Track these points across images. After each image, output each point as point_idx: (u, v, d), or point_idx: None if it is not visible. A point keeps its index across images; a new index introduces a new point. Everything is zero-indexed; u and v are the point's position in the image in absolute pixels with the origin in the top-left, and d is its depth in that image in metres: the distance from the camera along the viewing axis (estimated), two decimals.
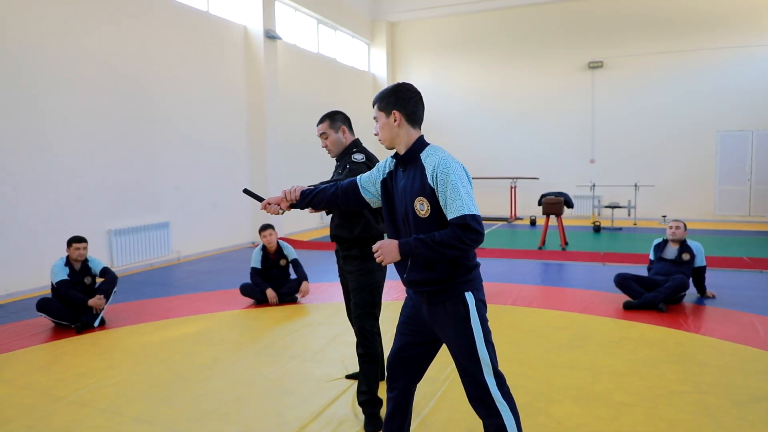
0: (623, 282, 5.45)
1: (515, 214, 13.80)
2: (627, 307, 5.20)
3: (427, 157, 2.13)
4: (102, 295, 4.94)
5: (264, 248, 5.73)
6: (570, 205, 9.43)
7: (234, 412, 3.18)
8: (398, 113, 2.20)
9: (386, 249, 2.08)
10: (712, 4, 12.60)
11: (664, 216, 12.71)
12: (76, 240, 5.03)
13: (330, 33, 13.37)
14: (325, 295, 6.01)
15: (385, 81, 15.20)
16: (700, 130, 12.90)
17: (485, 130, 14.63)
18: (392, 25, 15.40)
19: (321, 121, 3.20)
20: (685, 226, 5.69)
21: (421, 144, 2.20)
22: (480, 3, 14.12)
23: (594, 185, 12.95)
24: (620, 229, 11.69)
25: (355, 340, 3.44)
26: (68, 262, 5.01)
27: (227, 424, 3.03)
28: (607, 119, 13.60)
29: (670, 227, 5.69)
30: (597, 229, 11.36)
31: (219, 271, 7.69)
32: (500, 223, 13.11)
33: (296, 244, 9.68)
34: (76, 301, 4.85)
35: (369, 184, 2.38)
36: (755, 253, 8.37)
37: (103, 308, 4.97)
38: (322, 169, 12.52)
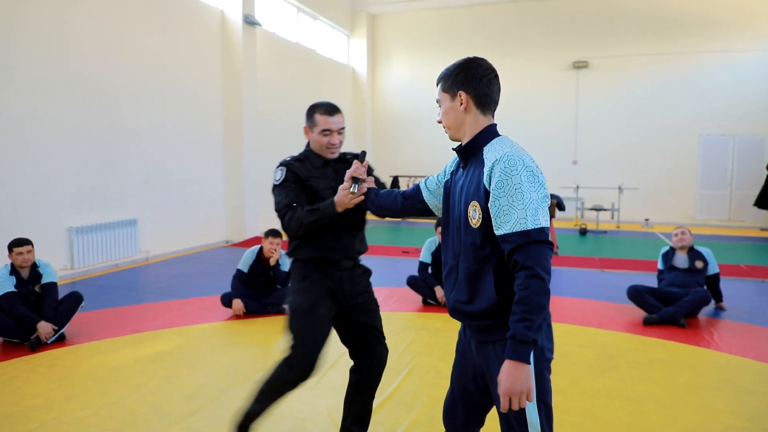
0: (637, 295, 5.07)
1: None
2: (647, 322, 4.81)
3: (489, 151, 1.67)
4: (56, 327, 4.19)
5: (260, 253, 5.12)
6: (562, 207, 9.10)
7: None
8: (465, 95, 1.74)
9: (517, 381, 1.51)
10: (697, 9, 12.50)
11: (646, 219, 12.58)
12: (17, 244, 4.26)
13: (309, 22, 12.73)
14: None
15: (364, 74, 14.65)
16: (683, 134, 12.81)
17: None
18: (373, 17, 14.85)
19: (339, 111, 2.48)
20: (689, 231, 5.38)
21: (488, 134, 1.73)
22: None
23: (578, 187, 12.72)
24: (605, 232, 11.46)
25: None
26: (14, 269, 4.30)
27: None
28: (591, 120, 13.39)
29: (676, 234, 5.36)
30: (583, 232, 11.10)
31: (193, 274, 7.03)
32: None
33: None
34: (25, 321, 4.15)
35: (435, 187, 2.00)
36: (740, 259, 8.19)
37: (57, 333, 4.26)
38: None
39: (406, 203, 2.08)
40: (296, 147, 9.33)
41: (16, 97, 6.05)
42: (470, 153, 1.74)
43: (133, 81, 7.60)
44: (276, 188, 2.41)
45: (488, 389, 1.80)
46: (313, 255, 2.40)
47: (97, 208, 7.11)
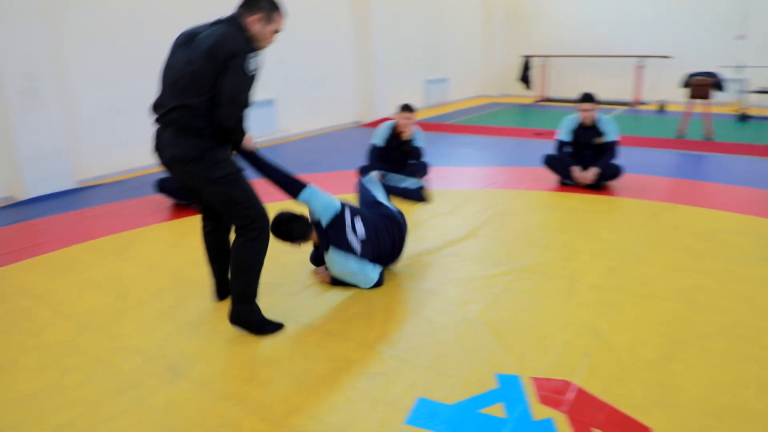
0: None
1: (639, 98, 12.27)
2: None
3: None
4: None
5: (394, 128, 5.13)
6: (721, 87, 8.05)
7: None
8: None
9: None
10: None
11: None
12: None
13: None
14: (448, 181, 5.46)
15: None
16: None
17: None
18: None
19: None
20: None
21: None
22: None
23: (743, 66, 11.08)
24: None
25: None
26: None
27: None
28: None
29: None
30: (743, 117, 9.82)
31: (328, 149, 7.37)
32: (621, 107, 11.72)
33: None
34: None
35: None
36: None
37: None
38: (428, 52, 11.50)
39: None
40: (427, 29, 9.09)
41: None
42: None
43: None
44: (250, 78, 2.37)
45: None
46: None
47: None
